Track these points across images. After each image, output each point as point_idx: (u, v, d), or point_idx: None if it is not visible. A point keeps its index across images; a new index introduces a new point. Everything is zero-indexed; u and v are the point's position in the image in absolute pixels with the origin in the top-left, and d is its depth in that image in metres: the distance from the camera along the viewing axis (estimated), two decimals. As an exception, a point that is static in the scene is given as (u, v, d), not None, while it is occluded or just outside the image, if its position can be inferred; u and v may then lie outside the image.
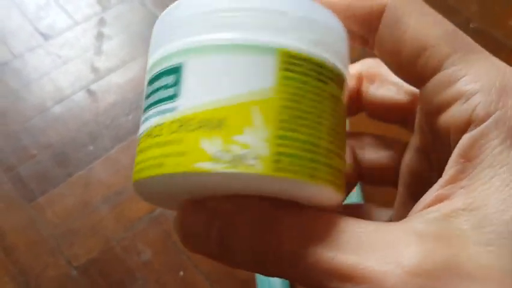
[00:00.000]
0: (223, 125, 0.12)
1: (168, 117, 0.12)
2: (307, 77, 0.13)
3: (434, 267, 0.11)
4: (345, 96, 0.14)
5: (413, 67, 0.14)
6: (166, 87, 0.13)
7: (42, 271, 0.45)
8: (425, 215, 0.12)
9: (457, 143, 0.13)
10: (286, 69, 0.12)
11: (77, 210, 0.48)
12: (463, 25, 0.66)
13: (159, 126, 0.13)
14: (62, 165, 0.51)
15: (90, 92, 0.56)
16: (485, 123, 0.13)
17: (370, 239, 0.12)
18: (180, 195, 0.14)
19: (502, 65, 0.14)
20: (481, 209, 0.12)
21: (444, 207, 0.12)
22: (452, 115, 0.13)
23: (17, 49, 0.58)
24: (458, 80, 0.13)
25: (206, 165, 0.12)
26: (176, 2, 0.14)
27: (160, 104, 0.13)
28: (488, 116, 0.13)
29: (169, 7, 0.14)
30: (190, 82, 0.12)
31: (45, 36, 0.59)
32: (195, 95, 0.12)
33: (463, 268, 0.11)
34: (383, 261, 0.11)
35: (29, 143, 0.52)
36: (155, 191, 0.14)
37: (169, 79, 0.13)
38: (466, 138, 0.13)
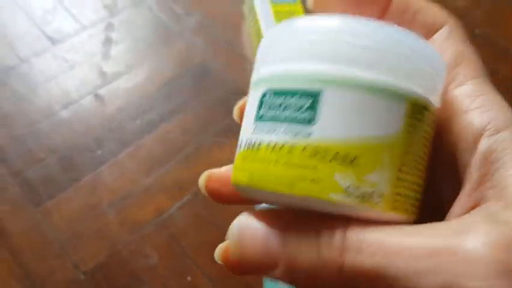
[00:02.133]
0: (356, 163, 0.13)
1: (302, 141, 0.13)
2: (422, 124, 0.14)
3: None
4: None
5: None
6: (301, 108, 0.14)
7: (49, 275, 0.45)
8: (468, 218, 0.13)
9: (469, 151, 0.14)
10: (412, 117, 0.14)
11: (83, 214, 0.49)
12: (468, 31, 0.66)
13: (290, 146, 0.14)
14: (68, 169, 0.51)
15: (97, 97, 0.56)
16: (503, 132, 0.14)
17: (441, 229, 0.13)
18: (285, 205, 0.15)
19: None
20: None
21: (482, 210, 0.13)
22: (470, 121, 0.14)
23: (24, 53, 0.58)
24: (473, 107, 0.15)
25: (338, 197, 0.13)
26: (304, 17, 0.15)
27: (292, 123, 0.14)
28: (504, 124, 0.14)
29: (296, 19, 0.15)
30: (327, 112, 0.13)
31: (53, 41, 0.59)
32: (332, 127, 0.13)
33: None
34: (464, 239, 0.12)
35: (36, 147, 0.52)
36: (265, 198, 0.15)
37: (305, 101, 0.14)
38: (485, 143, 0.14)
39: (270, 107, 0.14)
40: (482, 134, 0.14)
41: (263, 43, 0.16)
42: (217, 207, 0.50)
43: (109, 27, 0.61)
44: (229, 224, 0.15)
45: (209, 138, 0.51)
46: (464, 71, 0.15)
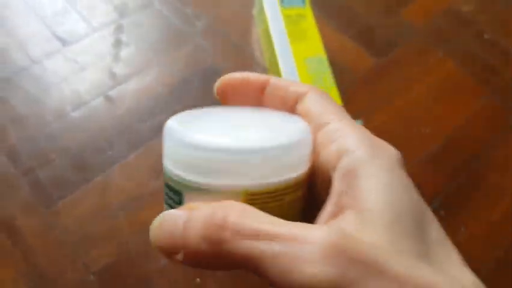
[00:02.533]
0: None
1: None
2: (266, 204, 0.18)
3: (339, 247, 0.15)
4: (304, 186, 0.20)
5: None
6: (174, 201, 0.19)
7: (60, 275, 0.45)
8: (326, 229, 0.16)
9: (333, 169, 0.18)
10: (250, 204, 0.17)
11: (94, 215, 0.49)
12: (476, 36, 0.66)
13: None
14: (79, 170, 0.51)
15: (108, 98, 0.56)
16: (357, 151, 0.18)
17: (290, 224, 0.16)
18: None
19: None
20: (364, 211, 0.16)
21: (338, 222, 0.17)
22: (331, 149, 0.19)
23: (36, 55, 0.58)
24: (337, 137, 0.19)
25: None
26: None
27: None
28: (358, 147, 0.18)
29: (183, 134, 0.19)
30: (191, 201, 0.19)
31: (64, 42, 0.60)
32: None
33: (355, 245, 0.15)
34: (305, 232, 0.15)
35: (48, 147, 0.52)
36: None
37: (175, 197, 0.19)
38: (343, 162, 0.18)
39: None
40: (342, 155, 0.18)
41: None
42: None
43: (119, 29, 0.61)
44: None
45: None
46: (327, 116, 0.20)
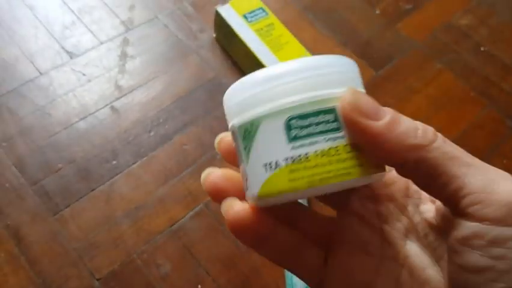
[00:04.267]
0: None
1: (341, 142, 0.19)
2: None
3: None
4: None
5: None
6: (328, 122, 0.19)
7: (65, 282, 0.46)
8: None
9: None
10: None
11: (99, 224, 0.50)
12: (474, 49, 0.68)
13: (334, 148, 0.19)
14: (85, 179, 0.52)
15: (113, 109, 0.58)
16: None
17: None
18: (316, 195, 0.21)
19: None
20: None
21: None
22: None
23: (44, 67, 0.60)
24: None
25: (375, 175, 0.20)
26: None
27: (327, 133, 0.19)
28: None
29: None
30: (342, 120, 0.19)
31: (71, 55, 0.61)
32: None
33: None
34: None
35: (54, 157, 0.53)
36: (327, 190, 0.19)
37: (330, 116, 0.19)
38: None
39: (300, 128, 0.19)
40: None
41: (249, 85, 0.20)
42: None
43: (125, 42, 0.63)
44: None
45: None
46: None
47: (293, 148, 0.19)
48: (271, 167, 0.19)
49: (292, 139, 0.19)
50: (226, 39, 0.62)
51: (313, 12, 0.70)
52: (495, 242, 0.16)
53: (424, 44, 0.68)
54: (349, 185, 0.19)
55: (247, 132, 0.20)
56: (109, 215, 0.51)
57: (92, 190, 0.52)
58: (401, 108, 0.60)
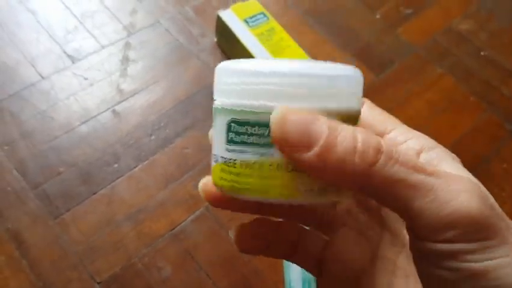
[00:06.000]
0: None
1: (267, 159, 0.18)
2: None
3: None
4: None
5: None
6: (262, 135, 0.18)
7: (66, 286, 0.46)
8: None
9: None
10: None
11: (99, 227, 0.50)
12: (474, 53, 0.68)
13: (259, 163, 0.18)
14: (86, 183, 0.53)
15: (115, 113, 0.58)
16: (434, 150, 0.22)
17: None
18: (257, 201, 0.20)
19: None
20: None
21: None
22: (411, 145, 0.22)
23: (45, 71, 0.60)
24: None
25: (301, 198, 0.18)
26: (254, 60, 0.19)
27: (257, 146, 0.18)
28: (433, 146, 0.22)
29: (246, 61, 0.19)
30: None
31: (73, 59, 0.62)
32: None
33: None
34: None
35: (55, 161, 0.54)
36: (246, 199, 0.19)
37: (264, 130, 0.18)
38: (423, 156, 0.21)
39: (236, 133, 0.18)
40: (421, 151, 0.20)
41: (222, 73, 0.20)
42: (229, 222, 0.51)
43: (127, 46, 0.63)
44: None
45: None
46: (389, 125, 0.22)
47: (227, 150, 0.19)
48: (215, 159, 0.20)
49: (229, 141, 0.19)
50: (228, 44, 0.62)
51: (314, 16, 0.70)
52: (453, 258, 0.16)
53: (424, 49, 0.68)
54: (277, 201, 0.18)
55: (213, 116, 0.20)
56: (110, 218, 0.51)
57: (93, 194, 0.52)
58: (401, 112, 0.61)
